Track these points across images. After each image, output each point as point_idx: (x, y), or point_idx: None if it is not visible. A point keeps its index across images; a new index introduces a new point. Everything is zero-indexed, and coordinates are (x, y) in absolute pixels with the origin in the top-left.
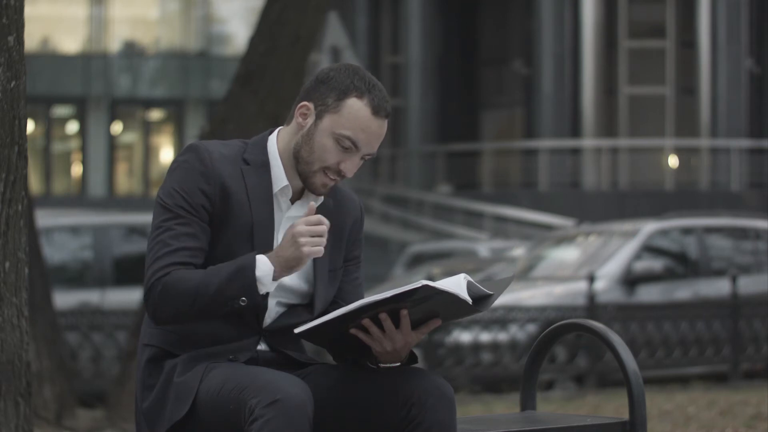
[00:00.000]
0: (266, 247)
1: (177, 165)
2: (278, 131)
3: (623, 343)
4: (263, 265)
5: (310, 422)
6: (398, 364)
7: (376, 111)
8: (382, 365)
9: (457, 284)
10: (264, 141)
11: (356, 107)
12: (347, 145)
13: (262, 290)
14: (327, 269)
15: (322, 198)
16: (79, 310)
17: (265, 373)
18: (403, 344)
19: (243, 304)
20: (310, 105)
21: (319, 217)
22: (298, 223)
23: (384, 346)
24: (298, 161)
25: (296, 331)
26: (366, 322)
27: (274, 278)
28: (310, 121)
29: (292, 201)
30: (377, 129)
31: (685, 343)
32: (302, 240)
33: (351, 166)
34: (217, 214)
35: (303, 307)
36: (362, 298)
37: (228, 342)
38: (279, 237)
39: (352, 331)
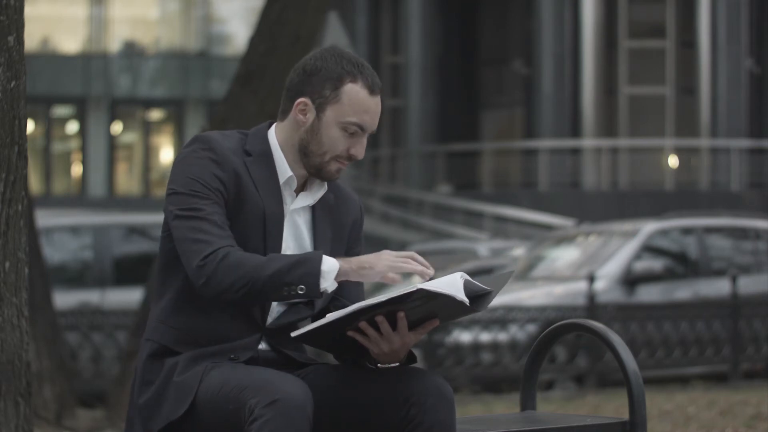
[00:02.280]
0: (276, 238)
1: (185, 156)
2: (275, 126)
3: (623, 343)
4: (329, 261)
5: (310, 422)
6: (397, 364)
7: (372, 90)
8: (381, 365)
9: (453, 284)
10: (263, 132)
11: (354, 91)
12: (354, 131)
13: (323, 285)
14: None
15: (324, 191)
16: (79, 310)
17: (265, 373)
18: (400, 345)
19: (301, 292)
20: (307, 100)
21: (413, 255)
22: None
23: (381, 347)
24: (306, 155)
25: (293, 334)
26: (363, 324)
27: (338, 276)
28: (311, 116)
29: (296, 193)
30: (376, 107)
31: (685, 343)
32: (386, 255)
33: (360, 148)
34: (231, 202)
35: (304, 303)
36: (362, 295)
37: (230, 340)
38: (285, 232)
39: (349, 333)
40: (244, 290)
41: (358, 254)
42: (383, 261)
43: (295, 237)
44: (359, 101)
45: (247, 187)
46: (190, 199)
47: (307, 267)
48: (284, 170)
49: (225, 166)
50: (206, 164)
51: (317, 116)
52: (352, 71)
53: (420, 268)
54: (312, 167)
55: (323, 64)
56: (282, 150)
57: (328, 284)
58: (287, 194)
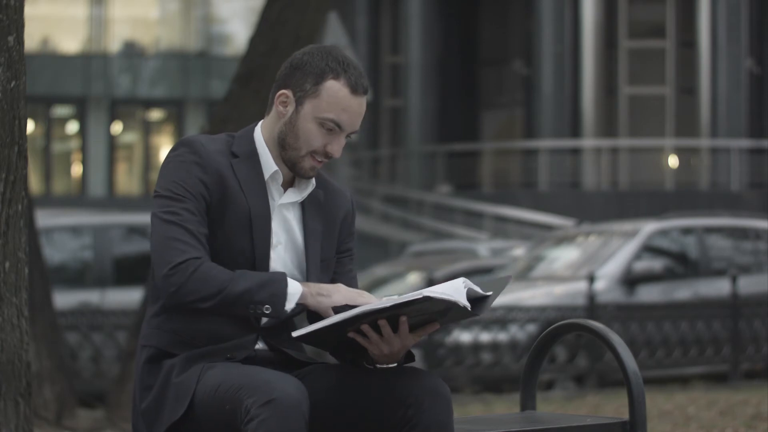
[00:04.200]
0: (264, 237)
1: (170, 159)
2: (261, 123)
3: (623, 343)
4: (293, 283)
5: (306, 422)
6: (395, 364)
7: (354, 89)
8: (378, 366)
9: (456, 290)
10: (250, 132)
11: (334, 89)
12: (331, 127)
13: (287, 306)
14: (319, 258)
15: (312, 188)
16: (79, 310)
17: (262, 373)
18: (400, 347)
19: (267, 312)
20: (289, 93)
21: (364, 293)
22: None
23: (381, 349)
24: (284, 148)
25: (294, 334)
26: (365, 327)
27: (299, 299)
28: (291, 108)
29: (284, 188)
30: (357, 107)
31: (685, 343)
32: (342, 288)
33: (337, 146)
34: (215, 204)
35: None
36: (357, 289)
37: (226, 340)
38: (274, 226)
39: (350, 334)
40: (211, 303)
41: (350, 249)
42: (341, 292)
43: (287, 230)
44: (338, 99)
45: (232, 188)
46: (170, 203)
47: (274, 288)
48: (269, 166)
49: (209, 168)
50: (190, 167)
51: (296, 109)
52: (335, 68)
53: (373, 300)
54: (288, 161)
55: (309, 59)
56: (267, 146)
57: (290, 306)
58: (274, 189)
